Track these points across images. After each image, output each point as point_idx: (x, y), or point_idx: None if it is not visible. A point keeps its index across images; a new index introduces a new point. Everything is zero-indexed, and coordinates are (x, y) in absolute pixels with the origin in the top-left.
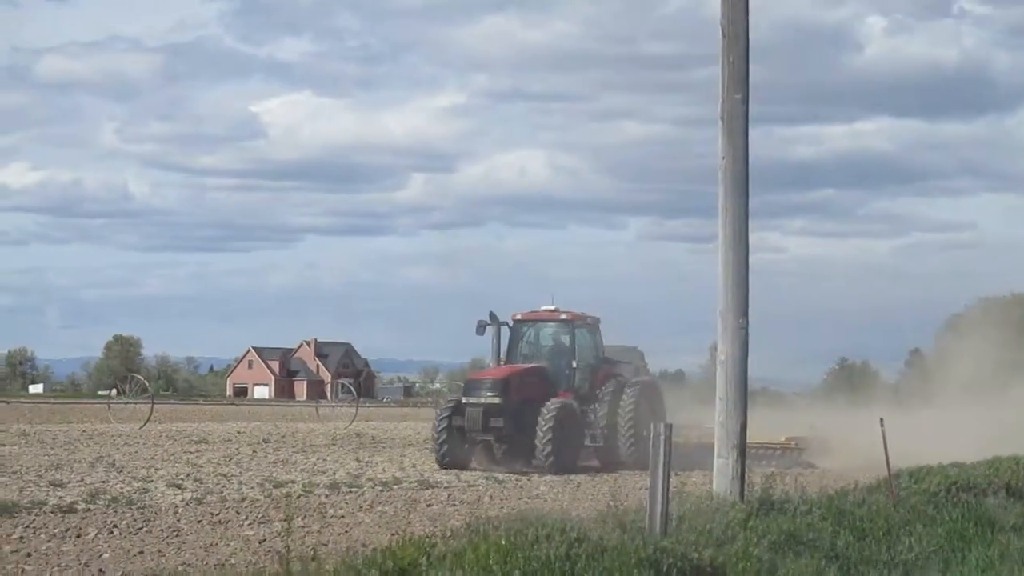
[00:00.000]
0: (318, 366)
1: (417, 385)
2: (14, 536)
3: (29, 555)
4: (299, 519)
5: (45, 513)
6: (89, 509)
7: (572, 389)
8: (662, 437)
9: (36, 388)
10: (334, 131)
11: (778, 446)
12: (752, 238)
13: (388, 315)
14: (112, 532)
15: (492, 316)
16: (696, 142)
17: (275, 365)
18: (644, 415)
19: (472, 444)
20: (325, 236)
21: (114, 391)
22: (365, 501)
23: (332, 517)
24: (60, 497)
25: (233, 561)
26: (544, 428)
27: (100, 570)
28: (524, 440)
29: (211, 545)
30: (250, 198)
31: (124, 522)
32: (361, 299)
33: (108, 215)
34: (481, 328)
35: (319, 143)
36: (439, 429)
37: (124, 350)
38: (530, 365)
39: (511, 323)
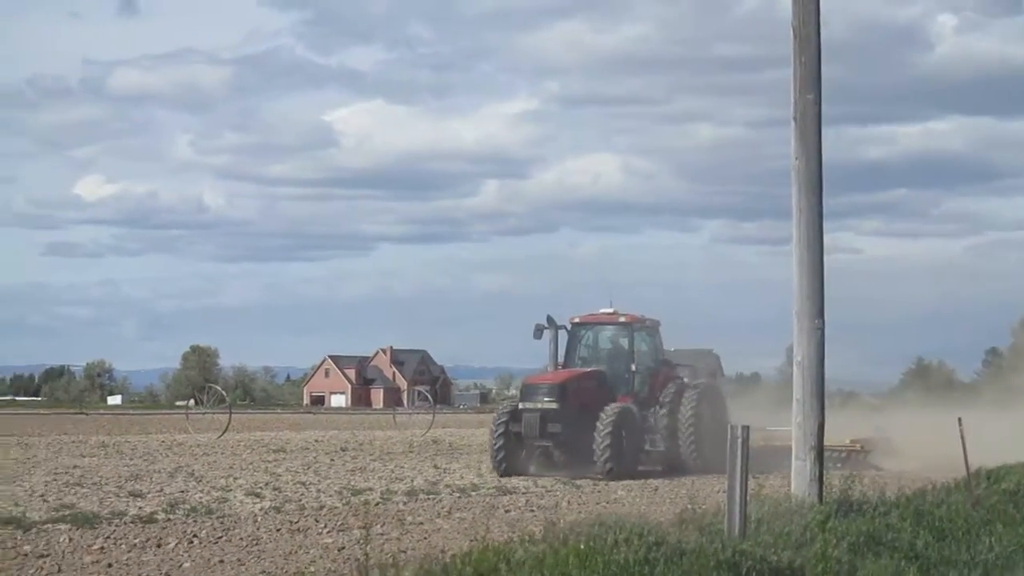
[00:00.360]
0: (394, 374)
1: (493, 391)
2: (95, 547)
3: (110, 565)
4: (377, 526)
5: (125, 523)
6: (169, 519)
7: (631, 393)
8: (740, 440)
9: (114, 399)
10: (406, 139)
11: (843, 448)
12: (826, 239)
13: (463, 322)
14: (192, 542)
15: (549, 319)
16: (769, 143)
17: (351, 373)
18: (706, 419)
19: (530, 450)
20: (399, 244)
21: (192, 401)
22: (443, 508)
23: (410, 524)
24: (140, 507)
25: (312, 569)
26: (603, 433)
27: None
28: (583, 445)
29: (290, 553)
30: (323, 207)
31: (204, 531)
32: (436, 306)
33: (183, 226)
34: (539, 332)
35: (392, 151)
36: (496, 435)
37: (201, 360)
38: (588, 369)
39: (569, 326)
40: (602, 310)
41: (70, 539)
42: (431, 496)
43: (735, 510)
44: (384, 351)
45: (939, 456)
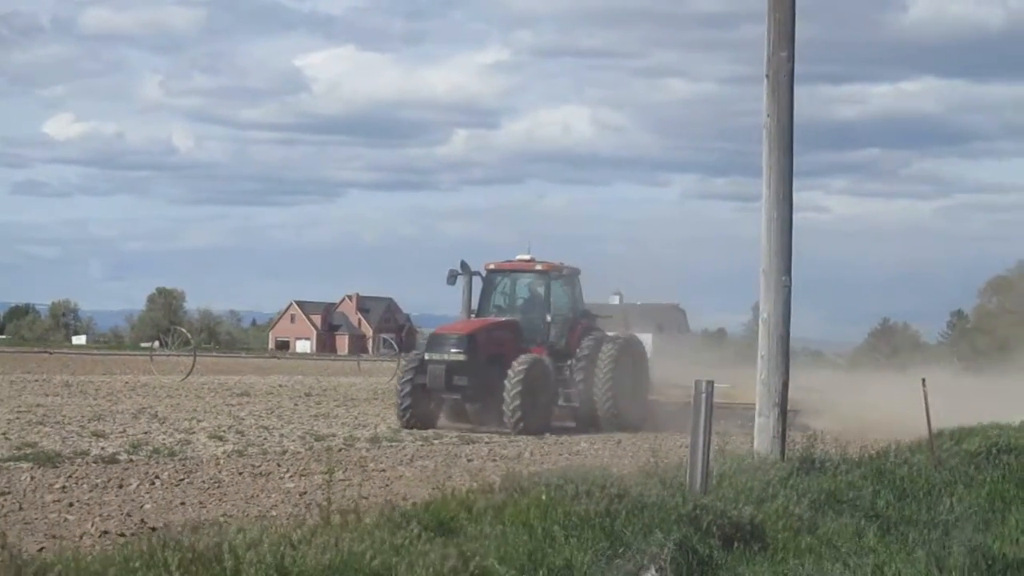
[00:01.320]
0: (360, 320)
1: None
2: (57, 486)
3: (71, 504)
4: (340, 472)
5: (87, 463)
6: (131, 460)
7: (547, 345)
8: (704, 395)
9: (79, 339)
10: (377, 86)
11: None
12: (795, 197)
13: (430, 270)
14: (154, 483)
15: (463, 265)
16: (742, 100)
17: (317, 319)
18: (624, 374)
19: (439, 403)
20: (367, 191)
21: (157, 343)
22: (406, 455)
23: (373, 471)
24: (102, 448)
25: (274, 513)
26: (512, 386)
27: (142, 520)
28: (493, 399)
29: (252, 497)
30: (293, 152)
31: (166, 473)
32: (403, 254)
33: (152, 167)
34: (452, 278)
35: (362, 98)
36: (403, 388)
37: (167, 303)
38: (501, 319)
39: (483, 273)
40: (519, 256)
41: (32, 478)
42: (393, 444)
43: (697, 465)
44: (350, 298)
45: (883, 417)
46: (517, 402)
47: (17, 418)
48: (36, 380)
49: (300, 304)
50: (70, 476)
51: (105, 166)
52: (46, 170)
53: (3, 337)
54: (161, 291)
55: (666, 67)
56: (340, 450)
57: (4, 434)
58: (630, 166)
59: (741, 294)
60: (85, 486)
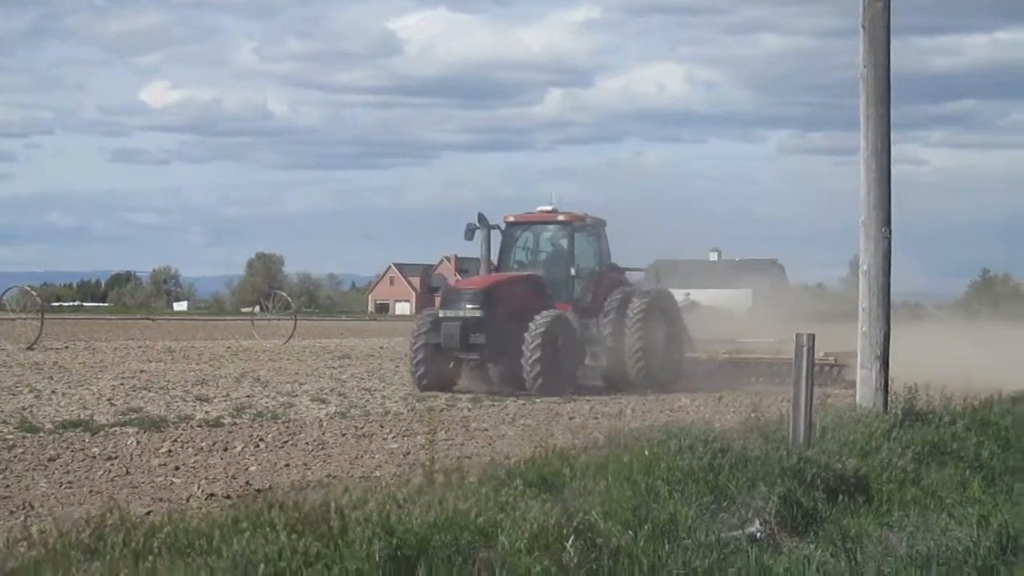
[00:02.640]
0: (458, 281)
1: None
2: (162, 450)
3: (177, 468)
4: (442, 432)
5: (192, 427)
6: (235, 423)
7: (571, 300)
8: (805, 348)
9: (180, 306)
10: (470, 47)
11: (816, 362)
12: (893, 150)
13: None
14: (258, 446)
15: (481, 218)
16: (836, 53)
17: (416, 281)
18: (654, 330)
19: (457, 363)
20: (463, 152)
21: (257, 308)
22: (508, 414)
23: (475, 430)
24: (206, 412)
25: (378, 473)
26: (532, 344)
27: (247, 482)
28: (514, 357)
29: (356, 458)
30: (388, 115)
31: (270, 436)
32: (499, 214)
33: (248, 133)
34: (470, 232)
35: (455, 59)
36: (415, 348)
37: (266, 267)
38: (522, 273)
39: (503, 226)
40: (540, 208)
41: (138, 442)
42: (495, 403)
43: (800, 418)
44: (448, 259)
45: (946, 371)
46: (537, 360)
47: (122, 384)
48: (139, 346)
49: (398, 266)
50: (175, 440)
51: (202, 133)
52: (144, 138)
53: (106, 304)
54: (260, 256)
55: (757, 22)
56: (442, 410)
57: (109, 400)
58: (725, 122)
59: (840, 248)
60: (190, 450)
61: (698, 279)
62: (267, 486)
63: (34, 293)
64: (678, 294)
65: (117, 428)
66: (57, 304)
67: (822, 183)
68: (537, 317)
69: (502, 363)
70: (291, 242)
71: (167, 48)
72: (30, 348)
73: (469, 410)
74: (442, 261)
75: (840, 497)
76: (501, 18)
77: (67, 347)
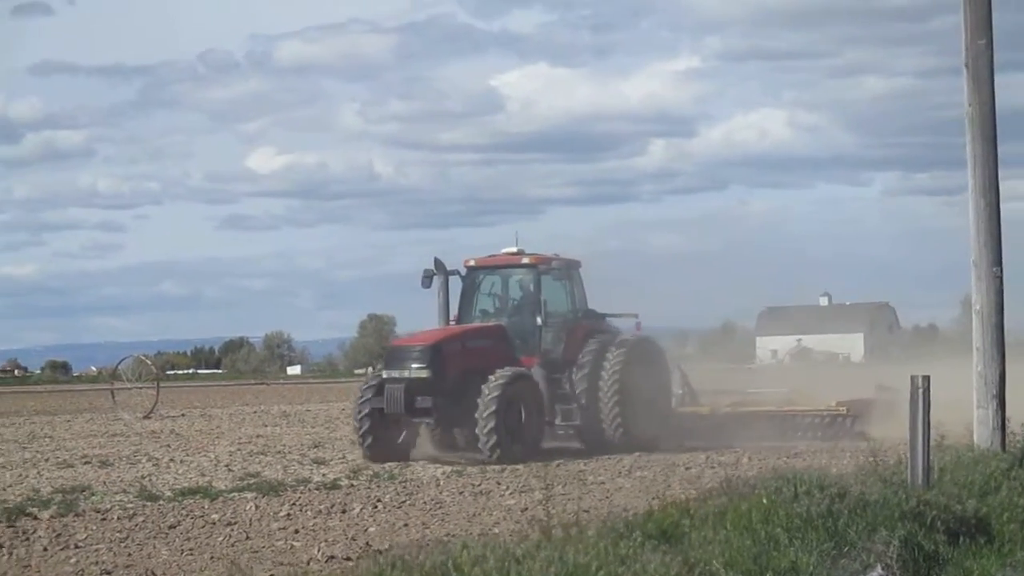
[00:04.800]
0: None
1: (668, 351)
2: (281, 514)
3: (297, 532)
4: (559, 487)
5: (310, 490)
6: (352, 485)
7: (540, 353)
8: (921, 390)
9: (294, 369)
10: (572, 101)
11: (825, 413)
12: (1001, 188)
13: (636, 282)
14: (376, 506)
15: (438, 263)
16: (939, 92)
17: None
18: (635, 383)
19: (410, 429)
20: (568, 206)
21: (370, 369)
22: (624, 467)
23: (592, 483)
24: (323, 474)
25: (496, 530)
26: (486, 408)
27: (367, 543)
28: (471, 422)
29: (474, 515)
30: (493, 172)
31: (387, 496)
32: (607, 267)
33: (355, 195)
34: (427, 279)
35: (558, 114)
36: (359, 415)
37: (378, 328)
38: (480, 325)
39: (463, 271)
40: (504, 250)
41: (256, 507)
42: (611, 456)
43: (917, 460)
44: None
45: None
46: (491, 425)
47: (239, 449)
48: (254, 411)
49: None
50: (294, 504)
51: (309, 197)
52: (251, 204)
53: (220, 371)
54: (372, 317)
55: (859, 64)
56: (558, 465)
57: (227, 466)
58: (830, 166)
59: (951, 288)
60: (309, 512)
61: (809, 324)
62: (387, 546)
63: (149, 362)
64: (790, 340)
65: (236, 493)
66: (172, 372)
67: (930, 223)
68: (493, 375)
69: (457, 428)
70: (402, 302)
71: (271, 114)
72: (147, 417)
73: (585, 464)
74: None
75: (961, 539)
76: (601, 71)
77: (183, 415)
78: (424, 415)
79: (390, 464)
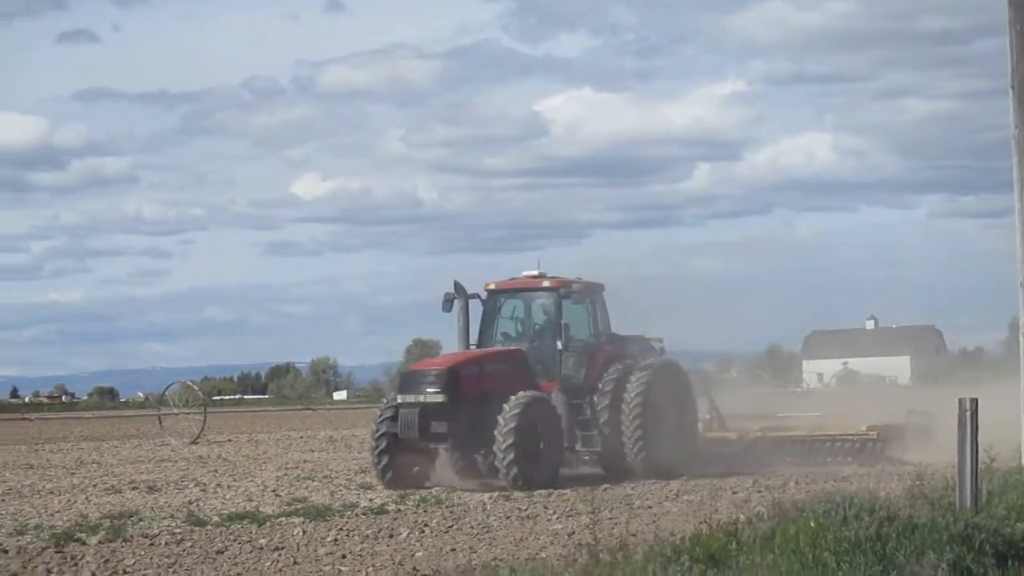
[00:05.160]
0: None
1: (713, 375)
2: (329, 539)
3: (344, 556)
4: (606, 511)
5: (357, 515)
6: (399, 510)
7: (560, 378)
8: (968, 412)
9: (340, 395)
10: (616, 125)
11: (854, 437)
12: None
13: (680, 306)
14: (423, 531)
15: (458, 287)
16: (984, 115)
17: None
18: (658, 408)
19: (427, 454)
20: (613, 230)
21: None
22: (671, 491)
23: (638, 508)
24: (371, 499)
25: (543, 555)
26: (505, 431)
27: (414, 568)
28: (488, 448)
29: (520, 540)
30: (537, 196)
31: (434, 521)
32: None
33: (399, 221)
34: (448, 303)
35: (602, 138)
36: (375, 440)
37: (424, 353)
38: (499, 349)
39: (483, 295)
40: (525, 273)
41: (304, 532)
42: (657, 480)
43: (966, 483)
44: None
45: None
46: (511, 450)
47: (285, 475)
48: (301, 437)
49: None
50: (341, 529)
51: (353, 222)
52: (296, 230)
53: (266, 396)
54: (417, 342)
55: (902, 87)
56: (605, 489)
57: (274, 491)
58: (874, 189)
59: (998, 311)
60: (356, 537)
61: (856, 348)
62: (434, 571)
63: (196, 388)
64: (836, 364)
65: (283, 519)
66: (218, 398)
67: (976, 246)
68: (512, 399)
69: (475, 453)
70: (447, 327)
71: (316, 140)
72: (194, 442)
73: (632, 488)
74: None
75: (1010, 562)
76: (645, 95)
77: (230, 440)
78: (439, 440)
79: (436, 488)
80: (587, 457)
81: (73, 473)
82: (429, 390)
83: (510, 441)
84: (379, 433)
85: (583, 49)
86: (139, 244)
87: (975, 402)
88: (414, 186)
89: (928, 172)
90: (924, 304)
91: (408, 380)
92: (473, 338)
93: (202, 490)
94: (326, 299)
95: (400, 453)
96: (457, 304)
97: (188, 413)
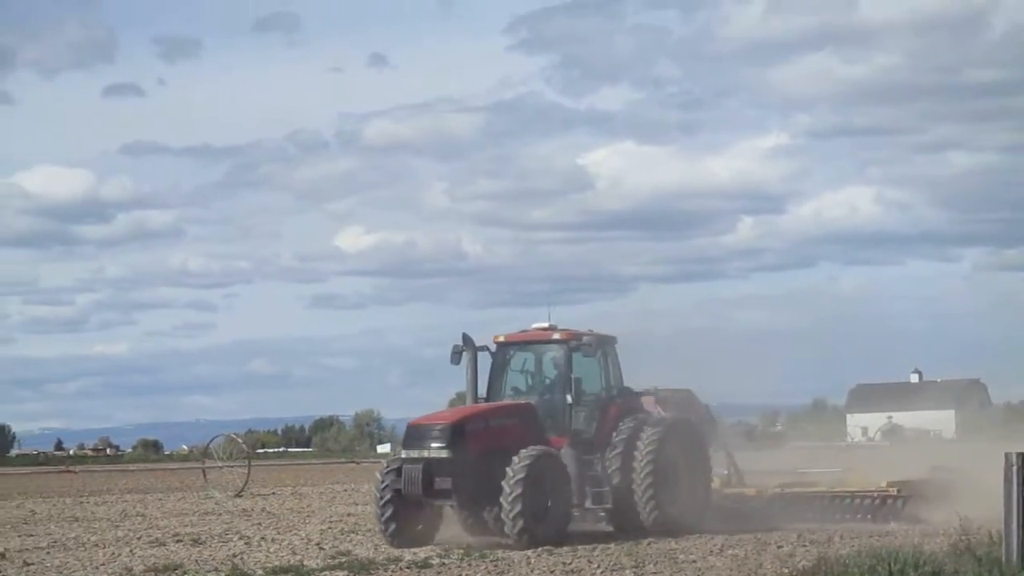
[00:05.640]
0: (659, 412)
1: (758, 428)
2: None
3: None
4: (650, 565)
5: (401, 569)
6: (443, 564)
7: (570, 433)
8: (1015, 467)
9: (384, 448)
10: (660, 178)
11: (874, 494)
12: None
13: (725, 359)
14: None
15: (466, 339)
16: None
17: None
18: (672, 463)
19: (432, 511)
20: (657, 283)
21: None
22: (715, 545)
23: (683, 562)
24: (415, 553)
25: None
26: (511, 486)
27: None
28: (494, 504)
29: None
30: (581, 250)
31: (478, 575)
32: (697, 344)
33: (443, 274)
34: (456, 356)
35: (646, 191)
36: (380, 498)
37: None
38: (507, 403)
39: (492, 348)
40: (535, 325)
41: None
42: (702, 534)
43: (1012, 538)
44: (649, 391)
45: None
46: (517, 507)
47: (330, 528)
48: (345, 490)
49: None
50: None
51: (397, 275)
52: (340, 283)
53: (310, 449)
54: (461, 395)
55: (946, 140)
56: (649, 543)
57: (318, 544)
58: (919, 242)
59: None
60: None
61: (900, 402)
62: None
63: (240, 440)
64: (880, 417)
65: (327, 572)
66: (262, 451)
67: (1021, 299)
68: (519, 455)
69: (480, 510)
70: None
71: (359, 193)
72: (238, 495)
73: (676, 542)
74: (642, 392)
75: None
76: (689, 148)
77: (274, 493)
78: (444, 497)
79: (479, 541)
80: (602, 514)
81: (118, 526)
82: (433, 445)
83: (517, 497)
84: (383, 490)
85: (626, 102)
86: (184, 297)
87: (1022, 456)
88: (457, 239)
89: (972, 225)
90: (968, 357)
91: (412, 435)
92: (483, 391)
93: (246, 543)
94: (370, 352)
95: (405, 510)
96: (465, 356)
97: (232, 466)
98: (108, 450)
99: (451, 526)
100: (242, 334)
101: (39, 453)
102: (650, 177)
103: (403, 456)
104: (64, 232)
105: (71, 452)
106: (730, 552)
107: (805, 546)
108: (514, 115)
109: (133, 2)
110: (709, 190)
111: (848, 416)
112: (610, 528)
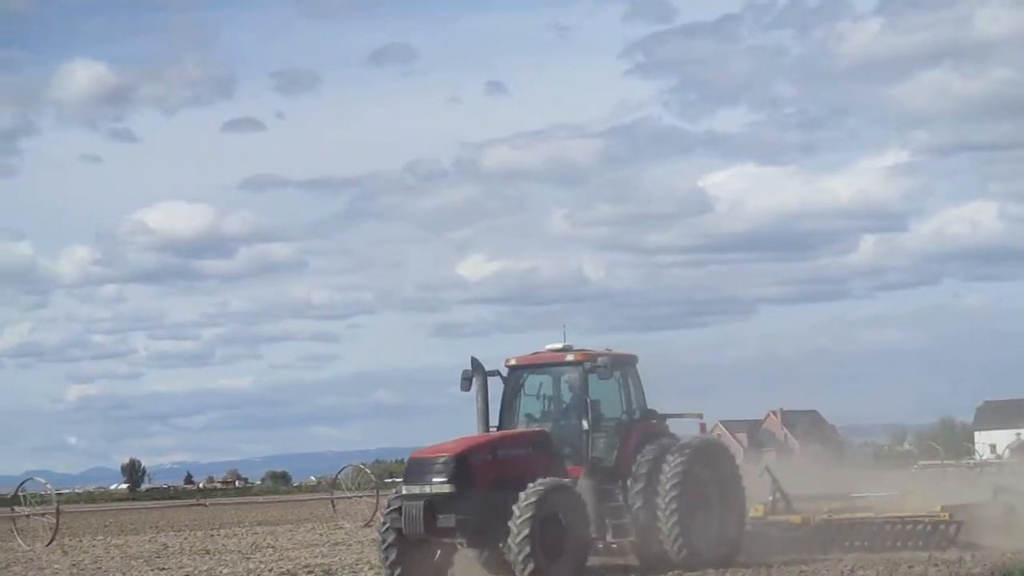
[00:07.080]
0: (786, 435)
1: (886, 448)
2: None
3: None
4: None
5: None
6: None
7: (587, 461)
8: None
9: None
10: (780, 199)
11: (926, 519)
12: None
13: (851, 380)
14: None
15: (475, 363)
16: None
17: (743, 437)
18: (700, 491)
19: (443, 549)
20: (780, 305)
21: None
22: (846, 567)
23: None
24: None
25: None
26: (519, 525)
27: None
28: (505, 540)
29: None
30: (703, 273)
31: None
32: (822, 365)
33: (565, 300)
34: (466, 382)
35: (767, 213)
36: (383, 538)
37: None
38: (517, 431)
39: (504, 372)
40: (549, 347)
41: None
42: (829, 557)
43: None
44: (774, 413)
45: None
46: (526, 545)
47: None
48: None
49: (725, 423)
50: None
51: (519, 303)
52: (462, 311)
53: None
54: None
55: None
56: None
57: None
58: None
59: None
60: None
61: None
62: None
63: (367, 471)
64: (1009, 434)
65: None
66: (390, 480)
67: None
68: (527, 488)
69: (492, 548)
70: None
71: (480, 221)
72: (367, 525)
73: (805, 566)
74: (768, 415)
75: None
76: (809, 168)
77: None
78: (448, 535)
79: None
80: (622, 547)
81: (248, 558)
82: (435, 480)
83: (525, 534)
84: (386, 528)
85: (744, 124)
86: (308, 329)
87: None
88: (579, 265)
89: None
90: None
91: (412, 469)
92: (495, 419)
93: (376, 574)
94: (493, 380)
95: (408, 551)
96: (475, 383)
97: (361, 496)
98: (237, 482)
99: (472, 563)
100: (366, 364)
101: (170, 487)
102: (770, 198)
103: (403, 492)
104: (187, 267)
105: (201, 485)
106: (861, 573)
107: (936, 565)
108: (632, 140)
109: (250, 38)
110: (830, 210)
111: (976, 434)
112: (635, 562)
